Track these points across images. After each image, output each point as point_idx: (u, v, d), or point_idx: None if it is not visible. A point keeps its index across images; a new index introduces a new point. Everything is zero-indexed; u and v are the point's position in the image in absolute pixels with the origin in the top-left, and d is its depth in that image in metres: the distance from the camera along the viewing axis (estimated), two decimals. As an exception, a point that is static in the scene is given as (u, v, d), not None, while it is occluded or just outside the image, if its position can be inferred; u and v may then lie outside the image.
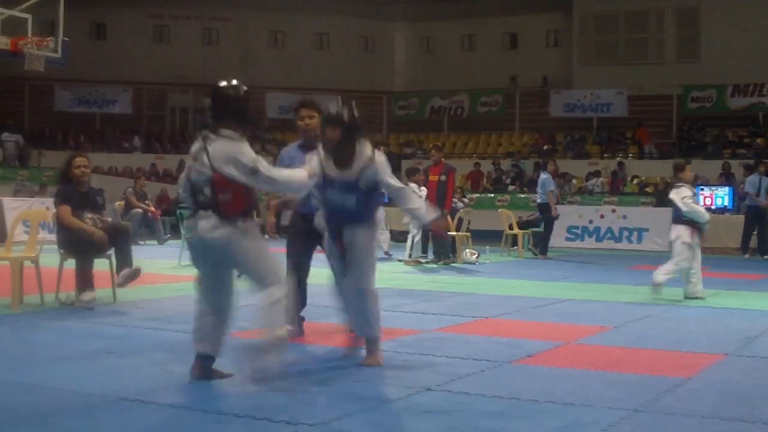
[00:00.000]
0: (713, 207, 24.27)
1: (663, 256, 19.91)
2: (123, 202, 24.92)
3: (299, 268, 9.23)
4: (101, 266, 11.76)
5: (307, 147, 8.92)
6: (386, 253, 20.41)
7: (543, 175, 21.68)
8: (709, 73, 35.97)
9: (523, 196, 29.14)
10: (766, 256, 22.04)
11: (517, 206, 26.57)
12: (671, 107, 36.37)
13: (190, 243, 7.36)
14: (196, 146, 7.11)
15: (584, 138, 36.90)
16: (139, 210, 24.42)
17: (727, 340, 9.08)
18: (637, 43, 39.42)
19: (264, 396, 6.70)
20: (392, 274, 16.60)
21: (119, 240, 11.63)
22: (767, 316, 11.41)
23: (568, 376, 7.63)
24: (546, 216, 21.62)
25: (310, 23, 42.32)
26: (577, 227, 25.09)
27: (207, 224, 6.97)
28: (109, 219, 12.41)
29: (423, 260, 19.06)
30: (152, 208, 25.65)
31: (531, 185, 30.82)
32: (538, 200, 21.89)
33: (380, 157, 7.75)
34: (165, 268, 16.93)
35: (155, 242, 24.37)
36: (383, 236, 20.86)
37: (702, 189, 24.99)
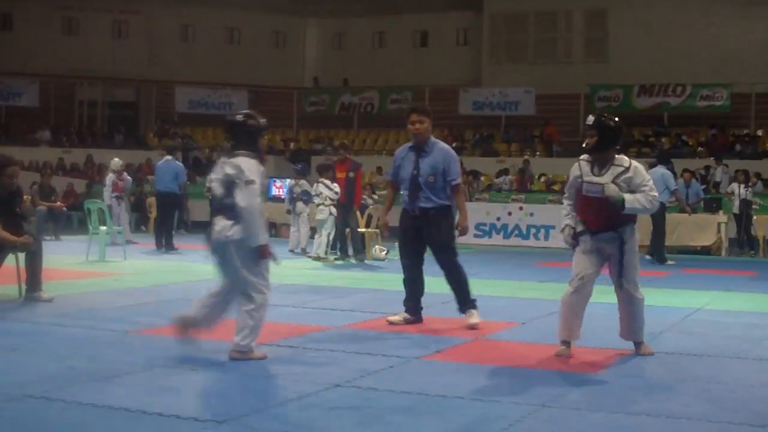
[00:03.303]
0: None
1: (569, 253, 20.15)
2: (29, 197, 24.53)
3: (413, 263, 10.33)
4: (7, 262, 11.60)
5: (417, 149, 10.10)
6: (302, 249, 20.38)
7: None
8: (616, 73, 36.49)
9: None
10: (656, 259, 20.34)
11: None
12: (578, 106, 36.77)
13: None
14: None
15: (492, 136, 37.19)
16: (43, 207, 24.03)
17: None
18: (546, 43, 39.86)
19: (173, 393, 6.66)
20: (302, 270, 16.60)
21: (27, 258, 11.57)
22: (671, 312, 11.61)
23: (476, 372, 7.69)
24: None
25: (221, 17, 42.05)
26: (485, 224, 25.24)
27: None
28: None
29: (332, 257, 19.09)
30: (58, 203, 25.34)
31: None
32: None
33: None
34: (72, 263, 16.72)
35: (71, 237, 24.05)
36: (302, 233, 20.80)
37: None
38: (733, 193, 23.92)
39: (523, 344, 9.19)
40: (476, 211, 23.96)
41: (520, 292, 13.73)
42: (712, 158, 30.88)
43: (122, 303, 11.58)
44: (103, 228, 18.31)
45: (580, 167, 8.37)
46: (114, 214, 21.89)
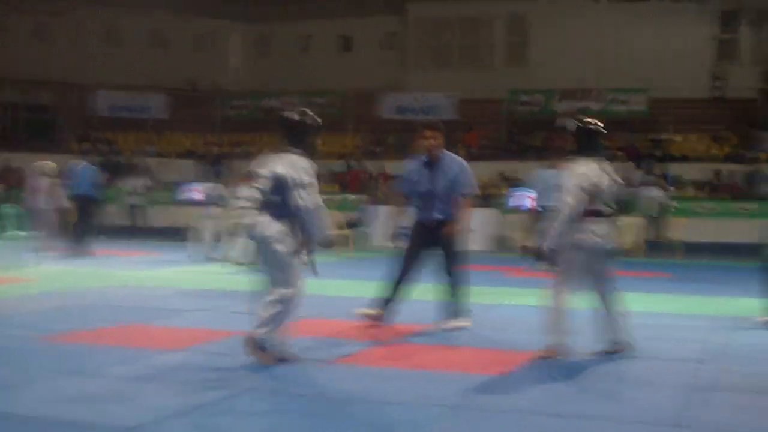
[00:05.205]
0: (539, 209, 24.57)
1: (485, 257, 20.24)
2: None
3: (412, 269, 10.68)
4: None
5: (430, 164, 10.45)
6: (223, 256, 20.14)
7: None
8: (537, 79, 36.73)
9: (353, 197, 29.24)
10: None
11: (346, 207, 26.69)
12: (500, 111, 37.00)
13: None
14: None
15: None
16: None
17: (545, 338, 9.30)
18: (469, 48, 40.08)
19: (85, 401, 6.61)
20: (223, 276, 16.54)
21: None
22: (580, 315, 11.73)
23: (388, 375, 7.74)
24: None
25: (145, 20, 41.65)
26: (406, 227, 25.29)
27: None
28: None
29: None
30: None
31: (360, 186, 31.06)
32: None
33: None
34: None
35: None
36: (221, 238, 20.59)
37: (530, 192, 25.38)
38: (650, 196, 24.27)
39: (435, 347, 9.27)
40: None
41: (433, 294, 13.77)
42: (630, 162, 31.26)
43: (35, 308, 11.46)
44: (20, 233, 18.07)
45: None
46: (46, 220, 21.73)
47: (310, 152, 8.16)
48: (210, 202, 20.61)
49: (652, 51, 35.85)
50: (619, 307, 8.87)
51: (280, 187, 7.88)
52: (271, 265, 7.97)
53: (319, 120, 8.28)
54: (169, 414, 6.23)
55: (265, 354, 7.98)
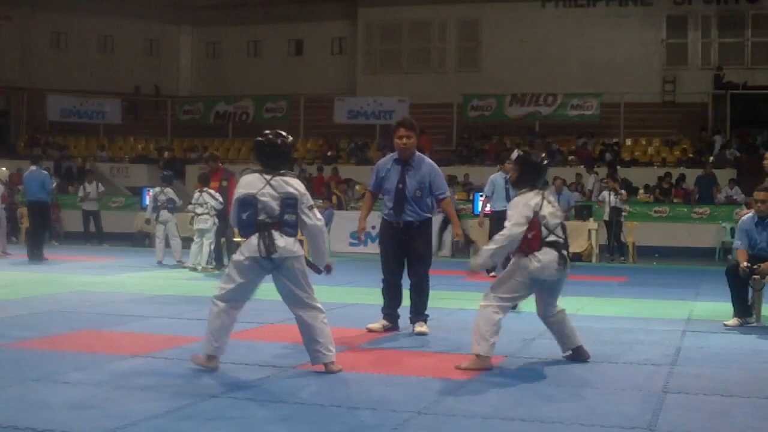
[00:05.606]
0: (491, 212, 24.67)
1: (444, 261, 20.27)
2: None
3: (395, 273, 10.65)
4: None
5: (402, 163, 10.52)
6: (179, 261, 20.05)
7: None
8: (489, 83, 36.92)
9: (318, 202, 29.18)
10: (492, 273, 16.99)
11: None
12: (452, 115, 37.09)
13: None
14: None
15: (367, 144, 37.31)
16: None
17: (507, 342, 9.32)
18: (420, 53, 40.20)
19: (45, 408, 6.55)
20: (177, 281, 16.46)
21: None
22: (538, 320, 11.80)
23: (352, 380, 7.73)
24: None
25: (94, 25, 41.36)
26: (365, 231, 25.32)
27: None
28: None
29: (216, 270, 18.77)
30: None
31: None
32: None
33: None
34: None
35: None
36: (174, 243, 20.51)
37: (482, 195, 25.48)
38: (603, 200, 24.45)
39: (398, 351, 9.28)
40: (351, 220, 23.96)
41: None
42: (582, 166, 31.49)
43: (-9, 316, 11.34)
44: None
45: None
46: (1, 226, 21.52)
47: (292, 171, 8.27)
48: (161, 206, 20.47)
49: (602, 55, 36.18)
50: (568, 318, 8.86)
51: (294, 206, 7.90)
52: (294, 285, 7.95)
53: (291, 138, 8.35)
54: (131, 421, 6.17)
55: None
